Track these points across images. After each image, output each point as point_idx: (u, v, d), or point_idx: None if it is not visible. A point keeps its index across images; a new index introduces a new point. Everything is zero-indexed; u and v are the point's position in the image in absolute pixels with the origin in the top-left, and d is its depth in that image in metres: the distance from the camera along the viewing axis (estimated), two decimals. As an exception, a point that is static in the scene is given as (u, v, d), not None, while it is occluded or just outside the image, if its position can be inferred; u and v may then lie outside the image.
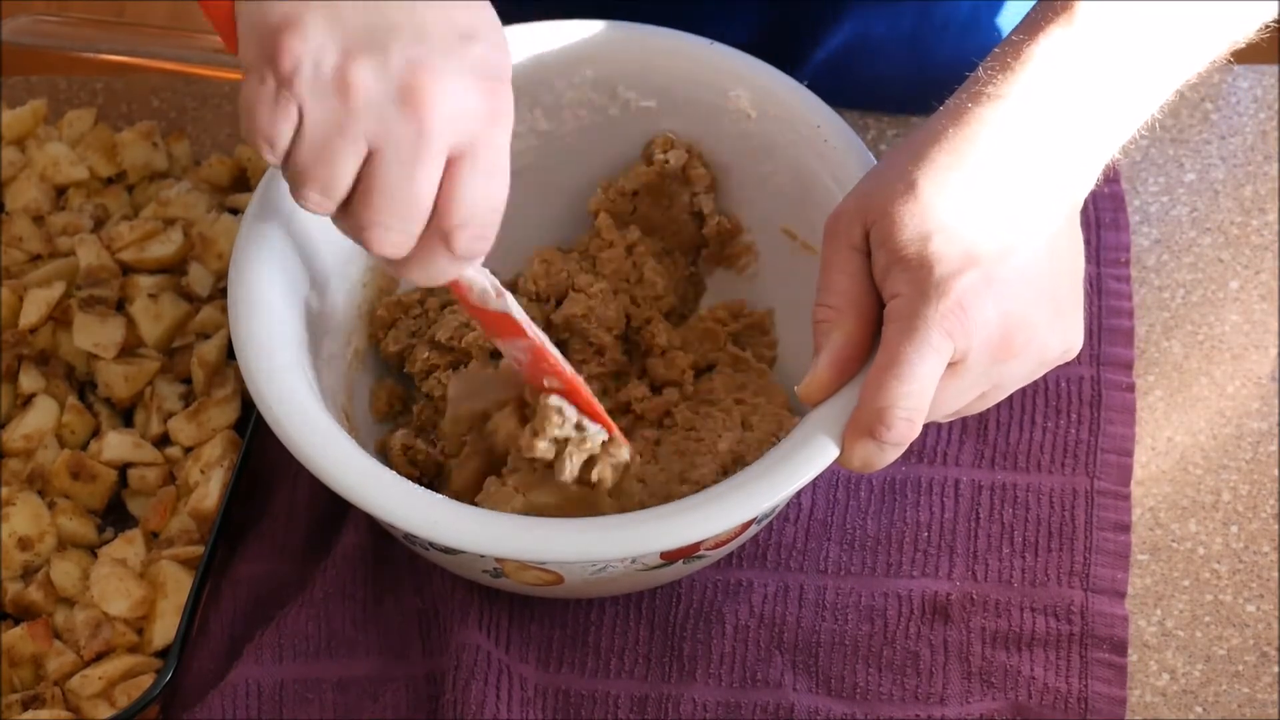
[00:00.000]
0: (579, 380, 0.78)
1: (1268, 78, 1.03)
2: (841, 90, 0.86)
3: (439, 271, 0.72)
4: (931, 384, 0.70)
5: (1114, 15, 0.72)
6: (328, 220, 0.83)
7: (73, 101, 1.04)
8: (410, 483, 0.75)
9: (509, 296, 0.76)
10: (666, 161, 0.87)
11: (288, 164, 0.67)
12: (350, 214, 0.69)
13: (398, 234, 0.69)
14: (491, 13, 0.70)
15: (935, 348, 0.69)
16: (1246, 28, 0.76)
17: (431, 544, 0.76)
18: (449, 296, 0.88)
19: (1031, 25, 0.73)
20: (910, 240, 0.70)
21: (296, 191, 0.68)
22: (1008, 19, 1.00)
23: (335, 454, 0.74)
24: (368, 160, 0.67)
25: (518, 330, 0.77)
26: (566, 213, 0.92)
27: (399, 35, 0.66)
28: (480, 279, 0.75)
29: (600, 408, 0.79)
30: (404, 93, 0.66)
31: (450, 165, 0.68)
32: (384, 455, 0.85)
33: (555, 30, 0.86)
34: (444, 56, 0.67)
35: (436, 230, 0.69)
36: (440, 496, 0.75)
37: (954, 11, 1.00)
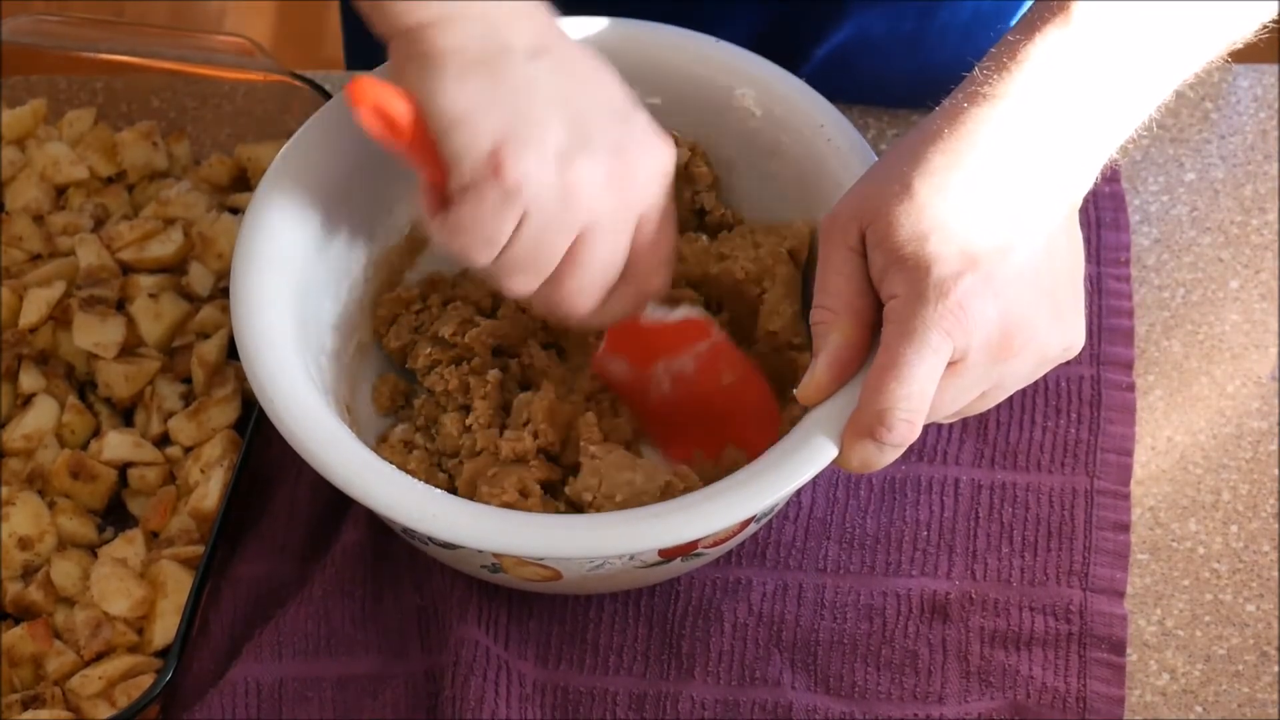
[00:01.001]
0: (755, 364, 0.83)
1: (1268, 77, 1.03)
2: (842, 88, 0.86)
3: (624, 313, 0.80)
4: (931, 385, 0.70)
5: (1111, 15, 0.72)
6: (328, 218, 0.83)
7: (73, 101, 1.04)
8: (410, 477, 0.75)
9: (684, 305, 0.83)
10: None
11: (502, 258, 0.74)
12: (551, 285, 0.76)
13: (597, 293, 0.78)
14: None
15: (935, 348, 0.69)
16: (1245, 28, 0.76)
17: (430, 539, 0.76)
18: (452, 293, 0.88)
19: (1028, 26, 0.73)
20: (907, 241, 0.70)
21: (508, 280, 0.76)
22: (1010, 19, 1.00)
23: (336, 449, 0.75)
24: (577, 241, 0.75)
25: (703, 332, 0.82)
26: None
27: (595, 124, 0.74)
28: (653, 309, 0.82)
29: (772, 395, 0.83)
30: (616, 177, 0.74)
31: (640, 227, 0.77)
32: (382, 449, 0.85)
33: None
34: (631, 132, 0.76)
35: (630, 283, 0.78)
36: (440, 491, 0.75)
37: (955, 12, 1.00)
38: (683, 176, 0.88)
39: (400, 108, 0.73)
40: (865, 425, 0.71)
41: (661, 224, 0.78)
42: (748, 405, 0.83)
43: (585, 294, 0.77)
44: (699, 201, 0.89)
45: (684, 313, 0.82)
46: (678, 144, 0.87)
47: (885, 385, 0.70)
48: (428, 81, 0.72)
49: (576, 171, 0.73)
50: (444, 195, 0.75)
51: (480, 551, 0.76)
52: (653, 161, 0.76)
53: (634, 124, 0.76)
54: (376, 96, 0.73)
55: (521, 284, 0.76)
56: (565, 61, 0.75)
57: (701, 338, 0.82)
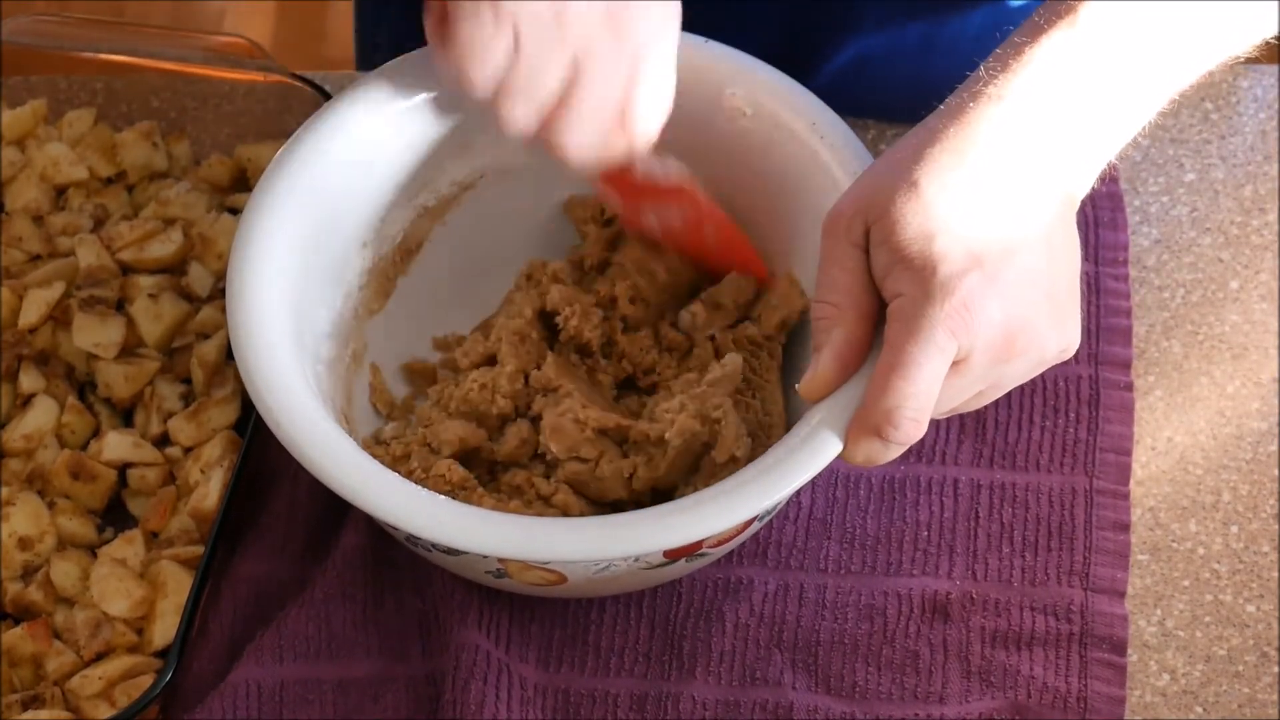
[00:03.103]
0: (729, 216, 0.87)
1: (1268, 78, 1.03)
2: (848, 105, 0.86)
3: (616, 157, 0.81)
4: (937, 383, 0.70)
5: (1117, 19, 0.72)
6: (325, 221, 0.83)
7: (73, 101, 1.04)
8: (412, 484, 0.75)
9: (671, 159, 0.84)
10: None
11: (495, 83, 0.75)
12: (550, 122, 0.77)
13: (593, 134, 0.78)
14: None
15: (940, 347, 0.70)
16: (1247, 40, 0.76)
17: (435, 545, 0.76)
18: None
19: (1034, 27, 0.73)
20: (913, 239, 0.70)
21: (504, 108, 0.76)
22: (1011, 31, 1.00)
23: (338, 456, 0.74)
24: (572, 72, 0.75)
25: (688, 197, 0.85)
26: (565, 203, 0.93)
27: None
28: (647, 160, 0.83)
29: (746, 238, 0.87)
30: (609, 12, 0.75)
31: (638, 64, 0.77)
32: (372, 448, 0.85)
33: None
34: None
35: (621, 123, 0.78)
36: (443, 498, 0.75)
37: (962, 28, 1.00)
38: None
39: None
40: (872, 423, 0.71)
41: (660, 72, 0.78)
42: (730, 249, 0.87)
43: (580, 131, 0.78)
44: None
45: (674, 169, 0.84)
46: None
47: (892, 384, 0.70)
48: None
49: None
50: (446, 13, 0.76)
51: (485, 557, 0.76)
52: (658, 9, 0.77)
53: None
54: None
55: (518, 113, 0.76)
56: None
57: (686, 200, 0.85)
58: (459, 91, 0.76)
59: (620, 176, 0.83)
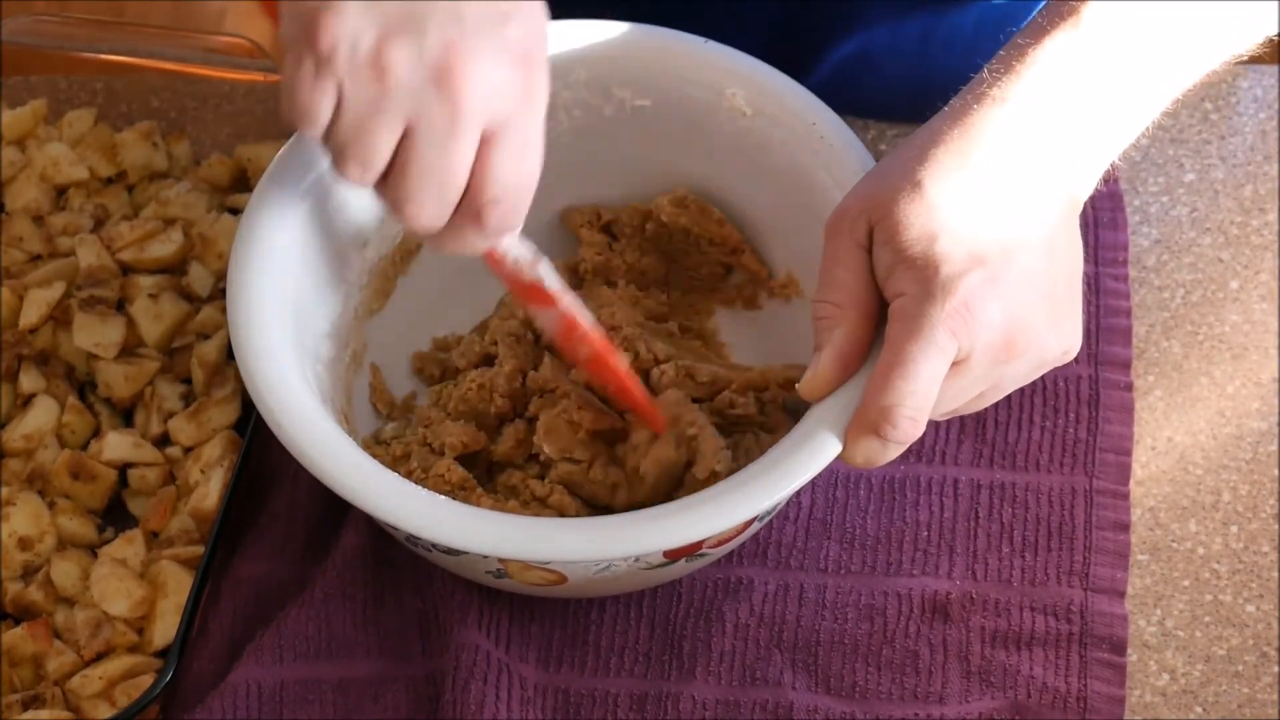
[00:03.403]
0: (613, 349, 0.81)
1: (1268, 78, 1.03)
2: (847, 102, 0.86)
3: (470, 244, 0.74)
4: (936, 383, 0.70)
5: (1120, 21, 0.72)
6: (325, 221, 0.83)
7: (73, 101, 1.04)
8: (412, 484, 0.75)
9: (544, 264, 0.78)
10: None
11: (328, 139, 0.70)
12: (388, 187, 0.71)
13: (433, 208, 0.71)
14: None
15: (941, 347, 0.70)
16: (1249, 39, 0.76)
17: (435, 545, 0.76)
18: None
19: (1037, 29, 0.73)
20: (916, 240, 0.70)
21: (337, 165, 0.71)
22: (1013, 26, 1.00)
23: (338, 456, 0.74)
24: (404, 137, 0.69)
25: (549, 299, 0.79)
26: (562, 212, 0.93)
27: (435, 16, 0.68)
28: (515, 249, 0.77)
29: (631, 380, 0.81)
30: (438, 73, 0.67)
31: (484, 144, 0.70)
32: (371, 448, 0.85)
33: (549, 31, 0.86)
34: (479, 37, 0.68)
35: (469, 206, 0.71)
36: (443, 498, 0.75)
37: (960, 25, 1.00)
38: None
39: None
40: (871, 422, 0.71)
41: (506, 152, 0.70)
42: (608, 385, 0.82)
43: (420, 205, 0.70)
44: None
45: (535, 275, 0.78)
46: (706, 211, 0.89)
47: (892, 382, 0.70)
48: None
49: (393, 53, 0.67)
50: None
51: (485, 557, 0.76)
52: (498, 74, 0.69)
53: (497, 34, 0.69)
54: None
55: (354, 174, 0.70)
56: None
57: (548, 304, 0.80)
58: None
59: (493, 260, 0.78)
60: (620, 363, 0.81)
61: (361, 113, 0.68)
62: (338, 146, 0.70)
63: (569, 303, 0.80)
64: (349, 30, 0.67)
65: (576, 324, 0.80)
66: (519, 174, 0.72)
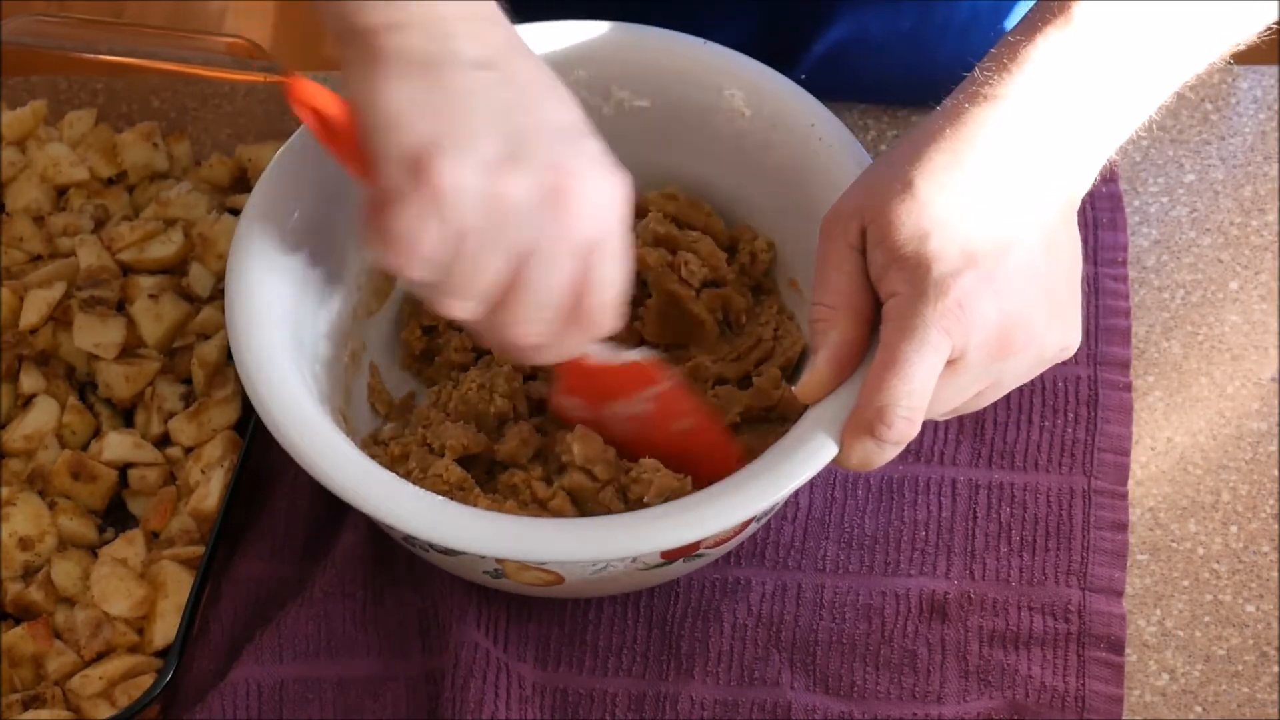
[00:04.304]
0: (710, 410, 0.82)
1: (1268, 78, 1.03)
2: (840, 87, 0.86)
3: (573, 349, 0.75)
4: (931, 382, 0.70)
5: (1112, 17, 0.72)
6: (325, 221, 0.83)
7: (73, 102, 1.04)
8: (410, 484, 0.75)
9: (628, 350, 0.79)
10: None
11: (439, 278, 0.69)
12: (494, 313, 0.71)
13: (542, 327, 0.72)
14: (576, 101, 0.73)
15: (934, 346, 0.70)
16: (1246, 30, 0.76)
17: (432, 545, 0.76)
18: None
19: (1029, 26, 0.73)
20: (908, 239, 0.70)
21: (447, 303, 0.71)
22: (1008, 19, 1.00)
23: (336, 457, 0.74)
24: (516, 267, 0.69)
25: (652, 378, 0.80)
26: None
27: (537, 140, 0.69)
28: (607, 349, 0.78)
29: (727, 437, 0.82)
30: (552, 197, 0.68)
31: (589, 255, 0.70)
32: (370, 448, 0.85)
33: (548, 31, 0.86)
34: (574, 152, 0.70)
35: (577, 318, 0.72)
36: (441, 498, 0.75)
37: (953, 11, 1.00)
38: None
39: (334, 108, 0.71)
40: (865, 422, 0.71)
41: (611, 260, 0.71)
42: (703, 448, 0.82)
43: (527, 326, 0.71)
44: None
45: (635, 355, 0.80)
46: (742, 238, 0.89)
47: (886, 382, 0.70)
48: (367, 83, 0.69)
49: (508, 184, 0.67)
50: (380, 199, 0.70)
51: (482, 557, 0.76)
52: (601, 189, 0.70)
53: (582, 148, 0.70)
54: (312, 96, 0.72)
55: (459, 309, 0.71)
56: (515, 75, 0.70)
57: (651, 383, 0.80)
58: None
59: (577, 371, 0.79)
60: (722, 428, 0.82)
61: (477, 249, 0.68)
62: (451, 285, 0.69)
63: (669, 376, 0.80)
64: (462, 170, 0.67)
65: (678, 395, 0.81)
66: (618, 279, 0.72)
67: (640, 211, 0.90)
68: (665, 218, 0.89)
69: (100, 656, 0.84)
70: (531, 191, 0.68)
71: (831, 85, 0.85)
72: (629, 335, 0.87)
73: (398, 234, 0.68)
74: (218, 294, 0.94)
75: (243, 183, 1.00)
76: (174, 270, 0.95)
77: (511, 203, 0.68)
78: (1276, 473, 0.90)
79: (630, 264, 0.73)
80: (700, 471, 0.80)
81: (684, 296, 0.87)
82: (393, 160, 0.68)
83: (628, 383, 0.80)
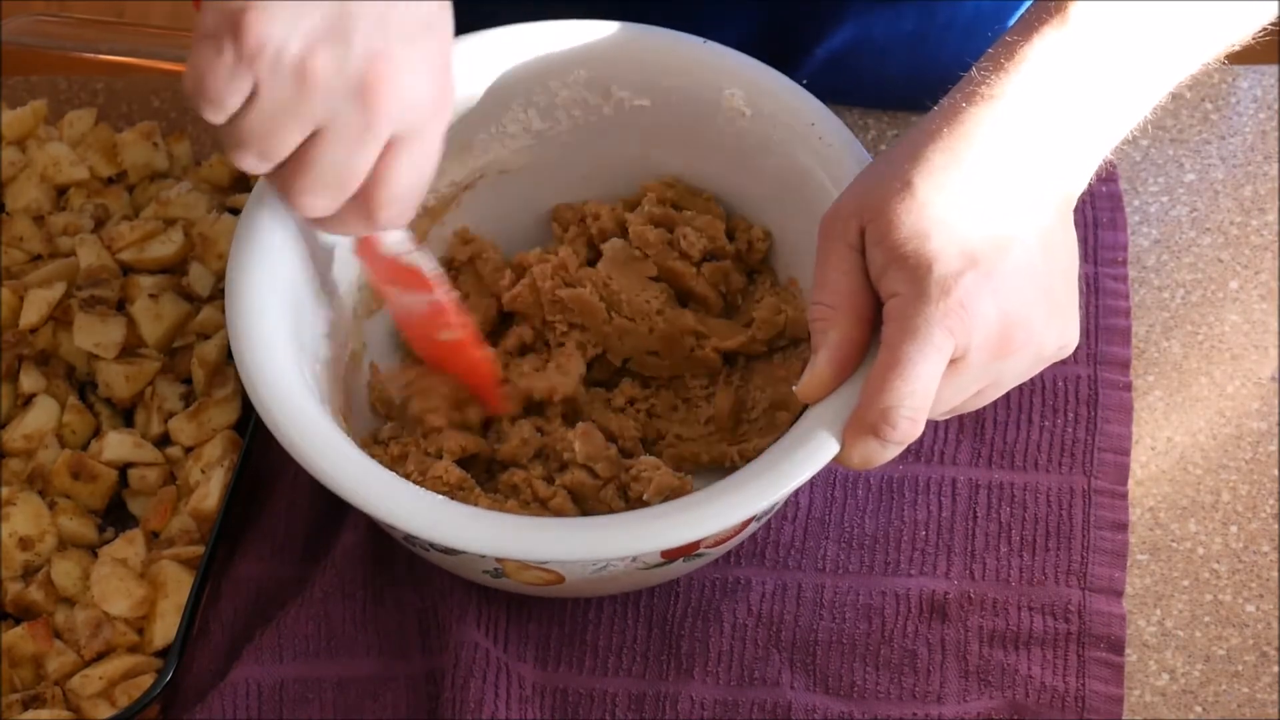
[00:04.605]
0: (479, 338, 0.85)
1: (1268, 78, 1.03)
2: (842, 89, 0.86)
3: (352, 231, 0.77)
4: (934, 382, 0.70)
5: (1108, 16, 0.72)
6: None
7: (73, 101, 1.04)
8: (410, 483, 0.75)
9: (423, 253, 0.81)
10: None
11: (231, 127, 0.70)
12: (282, 176, 0.72)
13: (325, 202, 0.73)
14: (447, 2, 0.73)
15: (937, 346, 0.70)
16: (1243, 30, 0.76)
17: (432, 545, 0.76)
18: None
19: (1026, 26, 0.73)
20: (908, 239, 0.70)
21: (234, 153, 0.71)
22: (1011, 20, 1.00)
23: (336, 456, 0.74)
24: (312, 137, 0.70)
25: (426, 284, 0.82)
26: (552, 219, 0.93)
27: (361, 24, 0.69)
28: (395, 235, 0.80)
29: (488, 365, 0.85)
30: (360, 85, 0.69)
31: (388, 148, 0.71)
32: (370, 447, 0.85)
33: (548, 31, 0.86)
34: (402, 47, 0.70)
35: (362, 203, 0.73)
36: (441, 497, 0.75)
37: (956, 13, 1.00)
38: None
39: None
40: (869, 423, 0.71)
41: (407, 156, 0.72)
42: (466, 363, 0.85)
43: (315, 197, 0.72)
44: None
45: (420, 260, 0.81)
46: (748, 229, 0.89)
47: (889, 383, 0.70)
48: None
49: (319, 59, 0.68)
50: None
51: (482, 557, 0.76)
52: (417, 86, 0.70)
53: (417, 45, 0.70)
54: None
55: (246, 162, 0.71)
56: None
57: (426, 290, 0.83)
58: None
59: (368, 247, 0.81)
60: (483, 352, 0.85)
61: (274, 112, 0.69)
62: (239, 137, 0.70)
63: (444, 289, 0.82)
64: (276, 32, 0.67)
65: (447, 309, 0.83)
66: (417, 179, 0.73)
67: (639, 201, 0.91)
68: (662, 201, 0.89)
69: (100, 656, 0.84)
70: (341, 73, 0.68)
71: (834, 88, 0.85)
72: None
73: (197, 71, 0.68)
74: (218, 294, 0.94)
75: (243, 182, 1.00)
76: (174, 270, 0.95)
77: (318, 77, 0.68)
78: (1276, 473, 0.90)
79: (433, 170, 0.74)
80: (464, 381, 0.85)
81: (685, 274, 0.87)
82: (216, 7, 0.68)
83: (409, 280, 0.82)
